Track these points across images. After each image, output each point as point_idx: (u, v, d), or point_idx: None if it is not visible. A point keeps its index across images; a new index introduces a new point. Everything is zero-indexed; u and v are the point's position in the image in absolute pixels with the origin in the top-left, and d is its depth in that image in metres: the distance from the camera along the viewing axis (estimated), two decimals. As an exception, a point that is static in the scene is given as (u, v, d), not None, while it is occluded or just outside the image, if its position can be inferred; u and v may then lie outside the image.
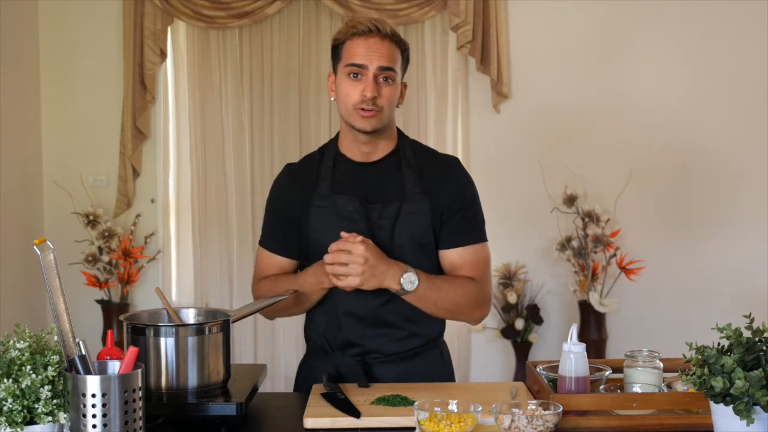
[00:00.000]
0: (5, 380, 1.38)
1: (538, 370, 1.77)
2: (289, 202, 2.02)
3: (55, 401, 1.41)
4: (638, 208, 4.21)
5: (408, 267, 1.90)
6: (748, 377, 1.34)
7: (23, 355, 1.43)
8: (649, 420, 1.60)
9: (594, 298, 3.97)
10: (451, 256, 1.98)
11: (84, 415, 1.37)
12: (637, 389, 1.71)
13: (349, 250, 1.84)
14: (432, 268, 1.97)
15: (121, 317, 1.74)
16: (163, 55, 4.17)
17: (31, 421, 1.40)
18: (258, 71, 4.27)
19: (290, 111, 4.27)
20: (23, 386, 1.39)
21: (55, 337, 1.45)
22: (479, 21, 4.11)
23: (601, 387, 1.70)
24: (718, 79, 4.20)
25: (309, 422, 1.64)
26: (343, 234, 1.87)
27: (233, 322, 1.79)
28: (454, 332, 4.11)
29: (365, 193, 1.96)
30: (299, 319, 2.13)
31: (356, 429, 1.63)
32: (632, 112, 4.21)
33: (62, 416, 1.40)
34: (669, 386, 1.73)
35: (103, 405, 1.38)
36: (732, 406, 1.36)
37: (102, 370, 1.47)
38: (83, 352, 1.43)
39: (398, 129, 2.06)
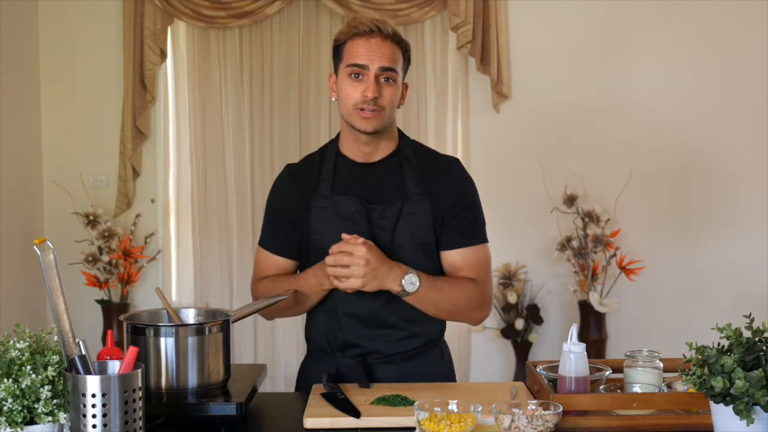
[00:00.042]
0: (5, 380, 1.38)
1: (538, 370, 1.77)
2: (290, 202, 2.02)
3: (55, 401, 1.41)
4: (638, 208, 4.21)
5: (409, 268, 1.89)
6: (748, 377, 1.34)
7: (23, 355, 1.43)
8: (649, 420, 1.60)
9: (594, 298, 3.97)
10: (451, 257, 1.98)
11: (84, 415, 1.37)
12: (637, 389, 1.71)
13: (350, 251, 1.84)
14: (433, 268, 1.97)
15: (121, 317, 1.74)
16: (163, 55, 4.17)
17: (31, 421, 1.40)
18: (258, 71, 4.27)
19: (290, 111, 4.27)
20: (23, 386, 1.39)
21: (55, 337, 1.45)
22: (479, 21, 4.11)
23: (601, 387, 1.70)
24: (718, 79, 4.20)
25: (309, 422, 1.65)
26: (345, 236, 1.87)
27: (233, 322, 1.79)
28: (454, 332, 4.11)
29: (366, 194, 1.96)
30: (299, 320, 2.13)
31: (356, 429, 1.63)
32: (632, 112, 4.21)
33: (62, 416, 1.40)
34: (669, 386, 1.73)
35: (103, 405, 1.38)
36: (732, 406, 1.36)
37: (102, 370, 1.47)
38: (83, 352, 1.43)
39: (399, 130, 2.06)
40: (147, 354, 1.65)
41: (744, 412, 1.34)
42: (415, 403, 1.55)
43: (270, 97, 4.27)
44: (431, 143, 4.07)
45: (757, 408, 1.35)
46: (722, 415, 1.38)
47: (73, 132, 4.31)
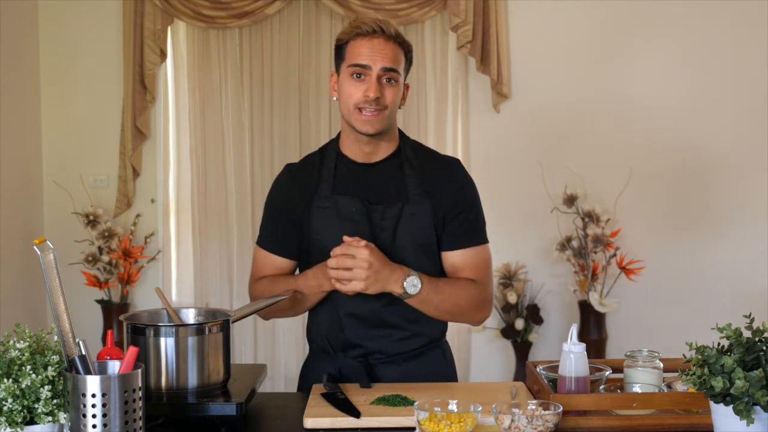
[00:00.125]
0: (5, 380, 1.38)
1: (538, 370, 1.77)
2: (290, 202, 2.02)
3: (55, 401, 1.41)
4: (638, 208, 4.21)
5: (411, 270, 1.89)
6: (748, 377, 1.34)
7: (23, 355, 1.43)
8: (649, 420, 1.60)
9: (594, 298, 3.97)
10: (452, 258, 1.98)
11: (84, 415, 1.37)
12: (637, 389, 1.71)
13: (353, 254, 1.84)
14: (434, 269, 1.97)
15: (121, 317, 1.74)
16: (163, 55, 4.17)
17: (31, 421, 1.40)
18: (258, 71, 4.27)
19: (290, 111, 4.27)
20: (23, 386, 1.39)
21: (55, 337, 1.45)
22: (479, 21, 4.11)
23: (601, 387, 1.70)
24: (718, 79, 4.20)
25: (309, 422, 1.64)
26: (346, 238, 1.86)
27: (233, 322, 1.79)
28: (454, 332, 4.11)
29: (367, 194, 1.96)
30: (299, 320, 2.13)
31: (356, 429, 1.63)
32: (632, 112, 4.21)
33: (62, 416, 1.40)
34: (669, 386, 1.73)
35: (103, 405, 1.38)
36: (732, 406, 1.36)
37: (102, 370, 1.47)
38: (83, 352, 1.43)
39: (400, 130, 2.05)
40: (147, 354, 1.65)
41: (744, 412, 1.34)
42: (415, 403, 1.55)
43: (270, 97, 4.27)
44: (431, 143, 4.07)
45: (757, 408, 1.35)
46: (722, 415, 1.38)
47: (73, 132, 4.31)
